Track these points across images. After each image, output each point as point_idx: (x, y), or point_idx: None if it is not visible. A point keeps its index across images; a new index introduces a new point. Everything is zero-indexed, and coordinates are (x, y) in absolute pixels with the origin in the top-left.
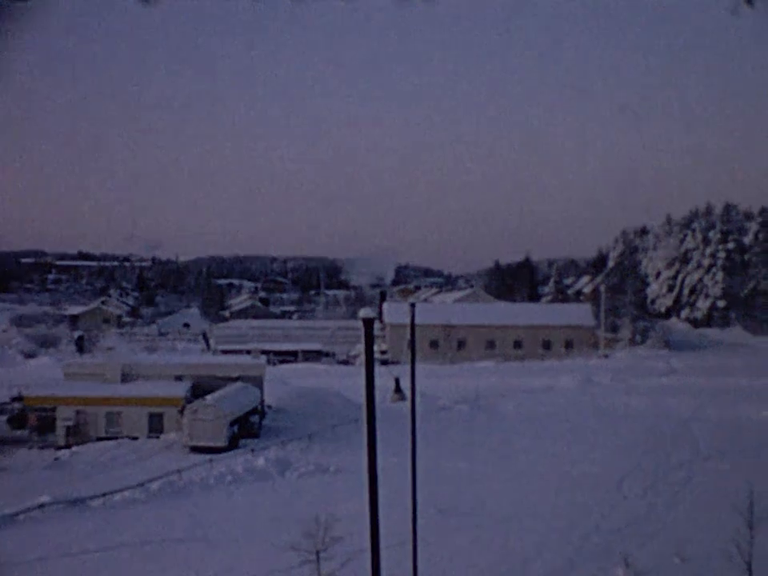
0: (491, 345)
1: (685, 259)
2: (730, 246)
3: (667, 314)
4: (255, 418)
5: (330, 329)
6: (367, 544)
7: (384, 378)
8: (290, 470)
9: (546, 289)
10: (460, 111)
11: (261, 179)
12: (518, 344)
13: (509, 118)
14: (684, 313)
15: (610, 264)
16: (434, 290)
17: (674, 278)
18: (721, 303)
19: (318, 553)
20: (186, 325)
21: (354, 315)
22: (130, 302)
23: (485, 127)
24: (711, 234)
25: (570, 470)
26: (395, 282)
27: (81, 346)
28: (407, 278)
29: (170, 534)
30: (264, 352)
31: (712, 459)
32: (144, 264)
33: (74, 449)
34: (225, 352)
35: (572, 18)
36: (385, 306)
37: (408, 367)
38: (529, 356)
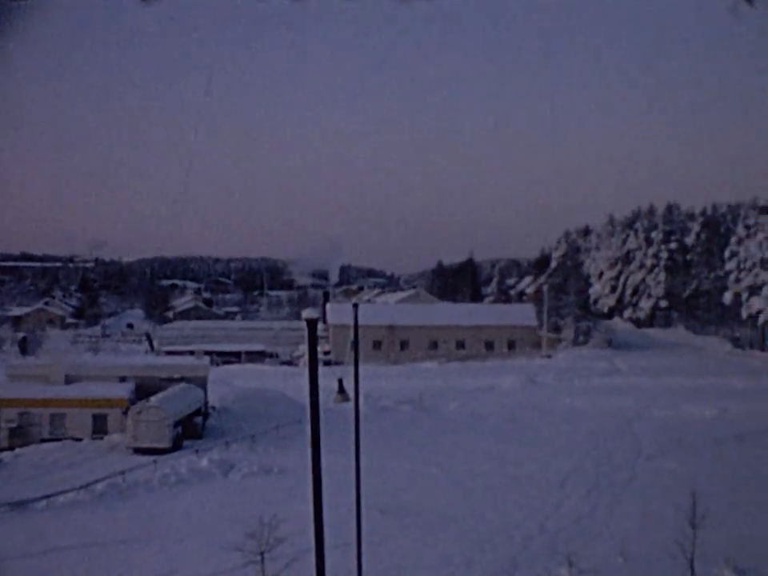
0: (434, 345)
1: (627, 259)
2: (673, 246)
3: (610, 314)
4: (199, 419)
5: (273, 330)
6: (311, 544)
7: (327, 379)
8: (234, 471)
9: (489, 289)
10: (404, 112)
11: (203, 179)
12: (460, 344)
13: (450, 119)
14: (627, 313)
15: (553, 264)
16: (377, 290)
17: (617, 278)
18: (663, 303)
19: (262, 553)
20: (130, 326)
21: (297, 316)
22: (74, 302)
23: (427, 128)
24: (654, 234)
25: (514, 470)
26: (339, 283)
27: (24, 347)
28: (350, 279)
29: (114, 535)
30: (207, 353)
31: (655, 459)
32: (88, 265)
33: (18, 450)
34: (168, 353)
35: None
36: (328, 306)
37: (351, 368)
38: (472, 356)
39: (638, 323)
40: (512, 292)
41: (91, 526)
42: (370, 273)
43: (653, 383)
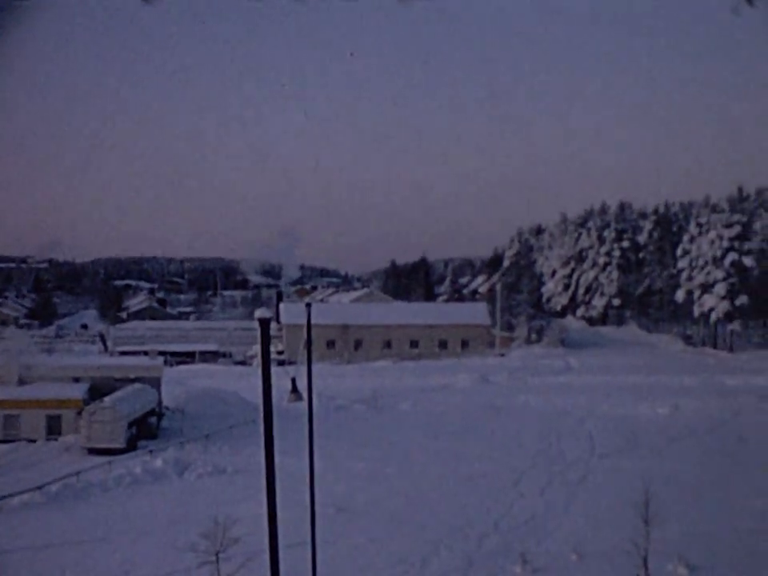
0: (388, 344)
1: (580, 258)
2: (625, 244)
3: (563, 313)
4: (153, 420)
5: (226, 329)
6: (266, 544)
7: (281, 379)
8: (189, 471)
9: (442, 288)
10: (358, 112)
11: (158, 180)
12: (414, 343)
13: (405, 119)
14: (579, 311)
15: (506, 263)
16: (331, 290)
17: (570, 276)
18: (616, 301)
19: (217, 554)
20: (84, 326)
21: (250, 316)
22: (27, 303)
23: (381, 127)
24: (606, 232)
25: (468, 468)
26: (292, 282)
27: None
28: (304, 279)
29: (69, 536)
30: (161, 353)
31: (608, 457)
32: (41, 266)
33: None
34: (122, 353)
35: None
36: (281, 306)
37: (305, 367)
38: (425, 355)
39: (590, 321)
40: (465, 291)
41: (45, 527)
42: (324, 272)
43: (606, 381)
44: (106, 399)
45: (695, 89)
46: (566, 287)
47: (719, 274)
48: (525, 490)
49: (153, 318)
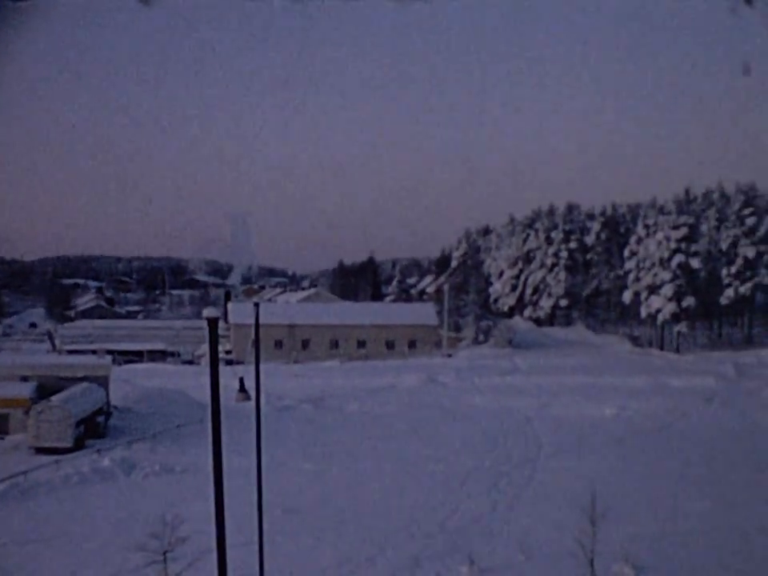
0: (335, 344)
1: (528, 259)
2: (573, 245)
3: (510, 313)
4: (101, 419)
5: (175, 329)
6: (213, 544)
7: (229, 378)
8: (136, 471)
9: (390, 288)
10: (311, 111)
11: (106, 177)
12: (361, 343)
13: (352, 118)
14: (527, 312)
15: (454, 264)
16: (279, 289)
17: (517, 277)
18: (563, 302)
19: (164, 553)
20: (33, 325)
21: (198, 315)
22: None
23: (330, 127)
24: (554, 233)
25: (415, 468)
26: (242, 282)
27: None
28: (252, 278)
29: (14, 536)
30: (109, 352)
31: (555, 457)
32: None
33: None
34: (70, 352)
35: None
36: (230, 305)
37: (253, 367)
38: (373, 355)
39: (538, 322)
40: (413, 291)
41: None
42: (272, 272)
43: (553, 382)
44: (54, 398)
45: (642, 90)
46: (514, 288)
47: (666, 276)
48: (471, 490)
49: (101, 317)
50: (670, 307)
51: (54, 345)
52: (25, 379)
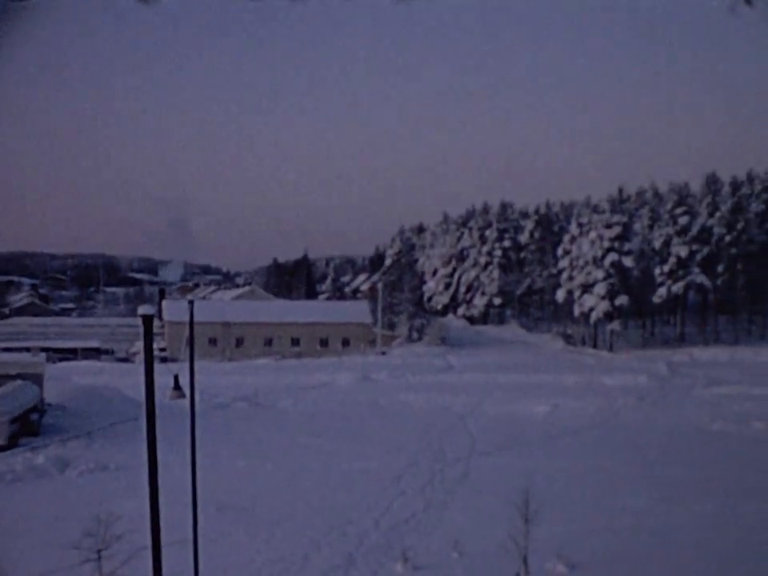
0: (269, 342)
1: (461, 257)
2: (506, 244)
3: (444, 311)
4: (35, 416)
5: (109, 326)
6: (148, 542)
7: (163, 376)
8: (71, 468)
9: (324, 286)
10: (231, 108)
11: (40, 174)
12: (295, 341)
13: (282, 116)
14: (461, 310)
15: (388, 262)
16: (213, 287)
17: (451, 275)
18: (497, 300)
19: (99, 551)
20: None
21: (133, 312)
22: None
23: (259, 125)
24: (488, 232)
25: (349, 466)
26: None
27: None
28: (186, 276)
29: None
30: (44, 349)
31: (488, 455)
32: None
33: None
34: (4, 350)
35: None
36: (164, 303)
37: (187, 364)
38: (306, 353)
39: (471, 320)
40: (347, 289)
41: None
42: (206, 270)
43: (486, 380)
44: None
45: (578, 90)
46: (448, 286)
47: (599, 274)
48: (406, 488)
49: (35, 315)
50: (603, 306)
51: None
52: None
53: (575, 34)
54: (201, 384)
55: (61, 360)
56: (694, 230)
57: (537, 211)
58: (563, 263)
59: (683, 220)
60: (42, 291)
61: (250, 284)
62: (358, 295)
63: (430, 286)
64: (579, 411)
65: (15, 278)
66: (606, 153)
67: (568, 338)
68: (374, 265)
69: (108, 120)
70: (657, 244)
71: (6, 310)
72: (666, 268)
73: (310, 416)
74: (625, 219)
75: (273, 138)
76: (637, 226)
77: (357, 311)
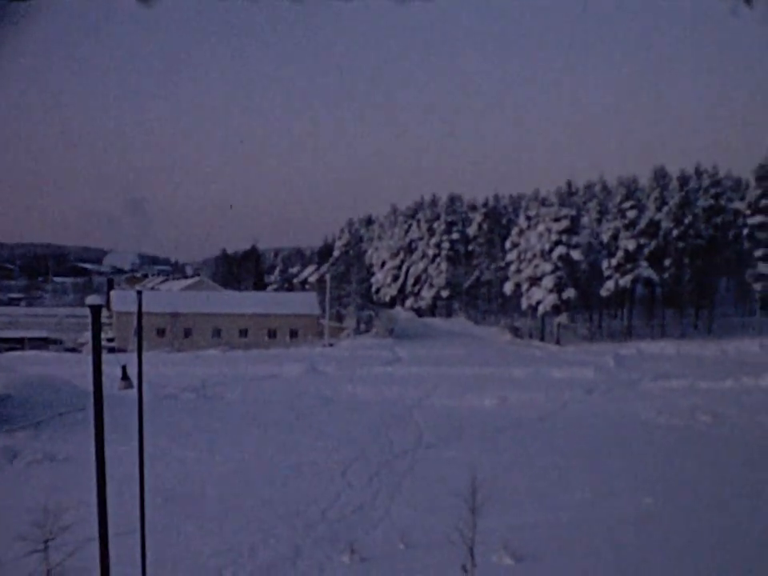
0: (217, 333)
1: (410, 249)
2: (455, 236)
3: (392, 303)
4: None
5: (57, 316)
6: (96, 532)
7: (112, 366)
8: (18, 459)
9: (272, 278)
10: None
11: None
12: (243, 332)
13: (232, 107)
14: (408, 302)
15: (336, 253)
16: (162, 278)
17: (399, 267)
18: (445, 293)
19: (46, 542)
20: None
21: (82, 302)
22: None
23: (212, 115)
24: (436, 224)
25: (296, 457)
26: (124, 270)
27: None
28: (135, 266)
29: None
30: None
31: (435, 447)
32: None
33: None
34: None
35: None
36: (113, 293)
37: (136, 355)
38: (254, 344)
39: (419, 312)
40: (295, 281)
41: None
42: (155, 260)
43: (434, 372)
44: None
45: (531, 86)
46: (396, 278)
47: (547, 267)
48: (353, 480)
49: None
50: (551, 299)
51: None
52: None
53: (528, 30)
54: (149, 374)
55: (8, 350)
56: (642, 223)
57: (485, 204)
58: (511, 256)
59: (631, 214)
60: None
61: (198, 275)
62: (307, 287)
63: (378, 277)
64: (526, 404)
65: None
66: (555, 146)
67: (516, 331)
68: (322, 256)
69: (49, 109)
70: (605, 237)
71: None
72: (614, 261)
73: (258, 407)
74: (573, 212)
75: (222, 129)
76: (585, 220)
77: (305, 303)
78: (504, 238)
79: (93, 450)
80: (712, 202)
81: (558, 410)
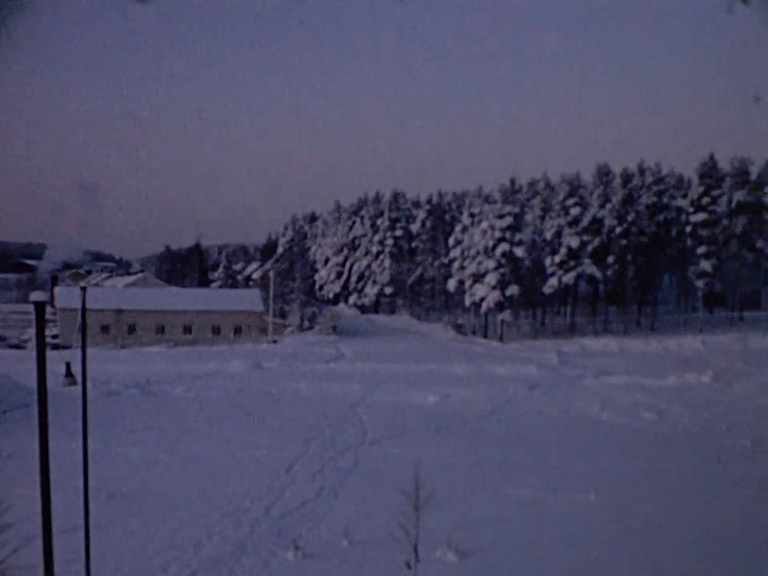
0: (161, 330)
1: (353, 246)
2: (398, 233)
3: (336, 300)
4: None
5: (1, 313)
6: (39, 530)
7: (56, 363)
8: None
9: (216, 274)
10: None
11: None
12: (188, 329)
13: (176, 104)
14: (352, 299)
15: (280, 250)
16: (106, 274)
17: (343, 264)
18: (388, 289)
19: None
20: None
21: (25, 299)
22: None
23: (157, 113)
24: (380, 221)
25: (240, 454)
26: (70, 266)
27: None
28: (78, 262)
29: None
30: None
31: (379, 444)
32: None
33: None
34: None
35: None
36: (57, 289)
37: (80, 351)
38: (199, 341)
39: (363, 309)
40: (239, 277)
41: None
42: (99, 256)
43: (377, 369)
44: None
45: (488, 83)
46: (339, 275)
47: (490, 264)
48: (296, 477)
49: None
50: (494, 295)
51: None
52: None
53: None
54: (93, 371)
55: None
56: (585, 221)
57: (429, 201)
58: (455, 253)
59: (574, 211)
60: None
61: (142, 271)
62: (250, 283)
63: (322, 274)
64: (469, 401)
65: None
66: (498, 143)
67: (459, 328)
68: (266, 253)
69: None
70: (548, 234)
71: None
72: (557, 259)
73: (202, 404)
74: (516, 210)
75: (166, 126)
76: (528, 217)
77: (249, 299)
78: (447, 235)
79: (36, 447)
80: (655, 199)
81: (501, 407)
